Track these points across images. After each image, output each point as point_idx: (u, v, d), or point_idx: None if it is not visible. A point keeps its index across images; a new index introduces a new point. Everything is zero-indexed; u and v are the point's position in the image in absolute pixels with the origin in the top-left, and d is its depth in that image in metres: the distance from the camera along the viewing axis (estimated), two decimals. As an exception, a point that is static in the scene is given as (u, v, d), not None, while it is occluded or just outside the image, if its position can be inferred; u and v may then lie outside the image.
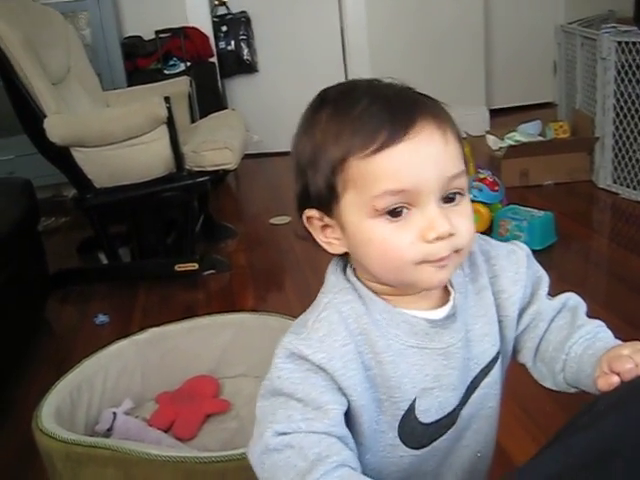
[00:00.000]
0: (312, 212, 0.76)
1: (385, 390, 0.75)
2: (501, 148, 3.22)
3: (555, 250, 2.47)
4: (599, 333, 0.81)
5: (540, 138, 3.29)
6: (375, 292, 0.77)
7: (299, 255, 2.68)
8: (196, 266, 2.54)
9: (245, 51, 4.05)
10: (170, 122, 2.37)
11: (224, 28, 4.01)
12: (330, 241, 0.77)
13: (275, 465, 0.69)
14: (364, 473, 0.71)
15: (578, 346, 0.80)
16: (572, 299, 0.86)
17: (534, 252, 0.87)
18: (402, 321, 0.76)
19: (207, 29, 3.88)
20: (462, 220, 0.72)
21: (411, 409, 0.76)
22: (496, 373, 0.83)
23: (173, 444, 1.52)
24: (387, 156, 0.68)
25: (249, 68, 4.11)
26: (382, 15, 3.99)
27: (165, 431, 1.58)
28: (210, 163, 2.49)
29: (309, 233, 0.78)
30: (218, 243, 2.89)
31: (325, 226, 0.76)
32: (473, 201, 2.58)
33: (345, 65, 4.08)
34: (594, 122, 3.06)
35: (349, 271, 0.79)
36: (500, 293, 0.82)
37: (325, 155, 0.72)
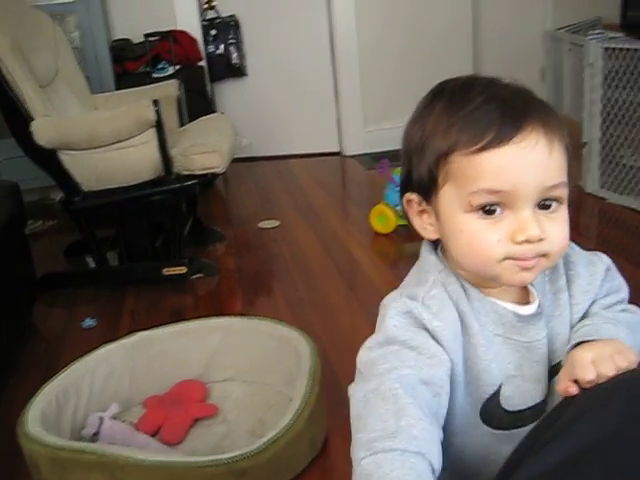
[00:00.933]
0: (412, 196, 0.80)
1: (473, 373, 0.78)
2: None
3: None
4: (602, 324, 0.80)
5: (528, 143, 3.30)
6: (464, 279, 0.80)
7: (288, 259, 2.67)
8: (184, 270, 2.53)
9: (234, 55, 4.05)
10: (159, 125, 2.36)
11: (213, 32, 4.00)
12: (425, 226, 0.81)
13: (373, 410, 0.70)
14: (449, 454, 0.72)
15: (574, 333, 0.81)
16: (630, 308, 0.86)
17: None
18: (492, 310, 0.79)
19: (196, 33, 3.88)
20: (555, 226, 0.74)
21: (496, 394, 0.79)
22: None
23: (160, 448, 1.51)
24: (491, 156, 0.71)
25: (238, 72, 4.10)
26: (372, 21, 4.00)
27: (152, 435, 1.58)
28: (199, 167, 2.48)
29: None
30: (206, 247, 2.88)
31: (422, 211, 0.80)
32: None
33: (334, 70, 4.08)
34: (581, 127, 3.08)
35: (440, 255, 0.82)
36: (570, 298, 0.84)
37: (432, 145, 0.75)
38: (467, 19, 4.11)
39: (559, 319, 0.82)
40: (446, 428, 0.76)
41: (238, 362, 1.76)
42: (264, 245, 2.87)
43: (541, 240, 0.73)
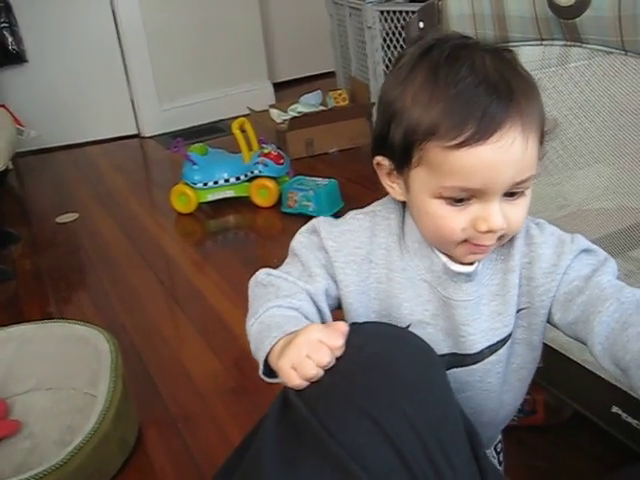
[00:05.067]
0: (384, 162, 0.81)
1: (386, 307, 0.83)
2: (285, 121, 3.26)
3: (343, 215, 2.55)
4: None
5: (322, 107, 3.38)
6: None
7: (90, 252, 2.56)
8: (-25, 279, 2.35)
9: (9, 40, 3.75)
10: None
11: (-19, 16, 3.69)
12: (393, 186, 0.82)
13: (258, 295, 0.83)
14: None
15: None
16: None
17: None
18: (426, 255, 0.82)
19: (-40, 18, 3.56)
20: (516, 212, 0.76)
21: None
22: (503, 354, 0.86)
23: (-42, 479, 1.40)
24: (466, 154, 0.71)
25: (17, 58, 3.81)
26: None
27: (-51, 465, 1.46)
28: (-26, 167, 2.30)
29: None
30: (0, 250, 2.69)
31: (391, 173, 0.82)
32: (260, 177, 2.63)
33: (122, 49, 3.91)
34: (369, 88, 3.20)
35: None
36: (530, 280, 0.83)
37: (411, 122, 0.74)
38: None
39: (502, 299, 0.83)
40: None
41: (38, 370, 1.67)
42: (64, 241, 2.72)
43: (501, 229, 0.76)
